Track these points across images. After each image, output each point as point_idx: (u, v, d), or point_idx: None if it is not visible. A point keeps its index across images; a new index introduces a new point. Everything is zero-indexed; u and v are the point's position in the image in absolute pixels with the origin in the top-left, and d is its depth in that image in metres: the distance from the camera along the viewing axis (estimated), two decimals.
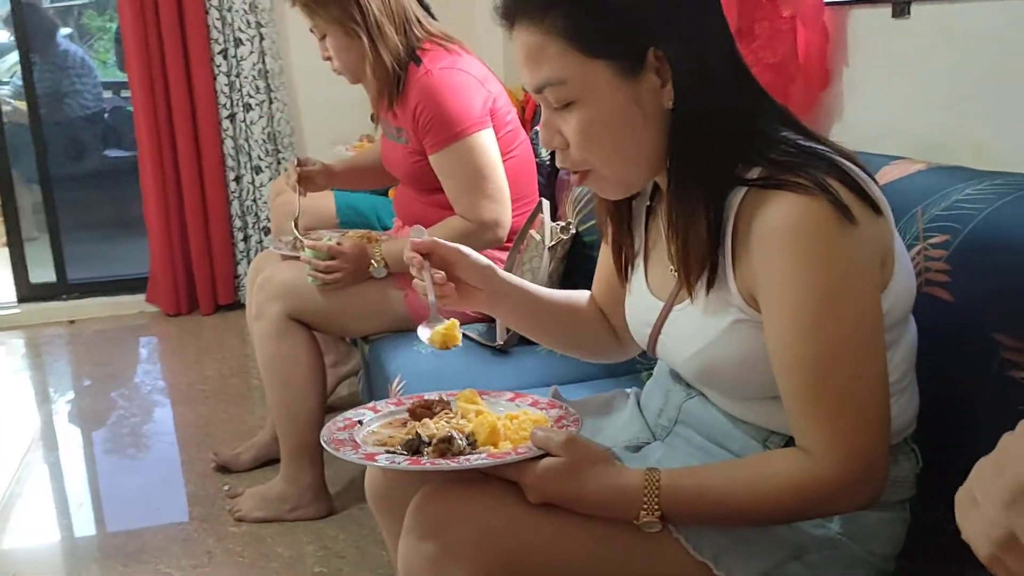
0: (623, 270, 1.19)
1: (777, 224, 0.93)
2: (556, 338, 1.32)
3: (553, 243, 1.94)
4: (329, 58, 2.05)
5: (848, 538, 1.04)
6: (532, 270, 1.96)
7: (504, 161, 2.06)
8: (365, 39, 1.95)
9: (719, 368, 1.04)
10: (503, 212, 2.00)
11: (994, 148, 1.35)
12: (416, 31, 2.01)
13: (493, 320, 2.11)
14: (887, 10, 1.51)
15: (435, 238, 1.19)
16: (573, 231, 1.99)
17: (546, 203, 2.00)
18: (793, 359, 0.95)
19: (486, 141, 1.98)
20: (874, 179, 0.99)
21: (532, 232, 2.00)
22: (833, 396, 0.94)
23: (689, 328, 1.05)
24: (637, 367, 1.85)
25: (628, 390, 1.34)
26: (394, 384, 1.84)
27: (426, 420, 1.13)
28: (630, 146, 1.00)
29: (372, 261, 2.01)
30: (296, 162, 2.31)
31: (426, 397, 1.22)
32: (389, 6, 1.97)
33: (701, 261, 1.00)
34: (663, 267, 1.11)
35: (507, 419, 1.11)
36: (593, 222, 1.98)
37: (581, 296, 1.33)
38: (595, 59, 0.96)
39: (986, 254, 1.10)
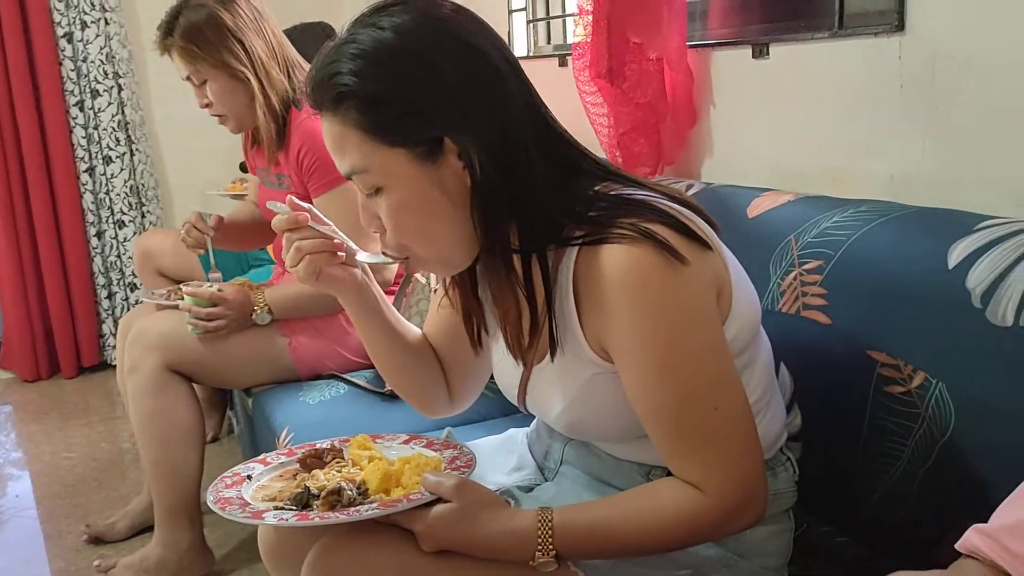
0: (475, 337, 1.18)
1: (608, 277, 0.94)
2: (398, 369, 1.25)
3: (438, 285, 1.93)
4: (208, 104, 1.99)
5: (740, 556, 1.06)
6: (420, 313, 1.95)
7: None
8: (254, 81, 1.91)
9: (587, 421, 1.06)
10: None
11: (850, 176, 1.43)
12: (298, 74, 1.99)
13: None
14: (748, 51, 1.59)
15: (311, 207, 1.12)
16: None
17: None
18: (652, 406, 0.97)
19: None
20: (705, 215, 1.02)
21: (417, 275, 1.99)
22: (699, 433, 0.96)
23: (551, 387, 1.07)
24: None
25: (521, 430, 1.34)
26: (281, 437, 1.78)
27: (316, 472, 1.10)
28: (441, 229, 1.01)
29: (255, 308, 1.95)
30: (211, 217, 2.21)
31: (318, 445, 1.19)
32: (272, 48, 1.94)
33: (522, 333, 1.02)
34: None
35: (400, 463, 1.09)
36: None
37: (418, 333, 1.29)
38: (392, 147, 0.97)
39: (858, 277, 1.16)
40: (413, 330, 1.26)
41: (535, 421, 1.27)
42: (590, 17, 1.75)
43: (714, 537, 1.01)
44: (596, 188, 1.01)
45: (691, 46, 1.69)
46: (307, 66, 2.04)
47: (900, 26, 1.29)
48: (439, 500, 0.99)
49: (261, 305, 1.95)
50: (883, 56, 1.33)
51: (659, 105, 1.71)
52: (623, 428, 1.05)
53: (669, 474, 1.05)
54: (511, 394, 1.16)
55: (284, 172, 2.01)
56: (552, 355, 1.03)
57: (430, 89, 0.96)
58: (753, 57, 1.58)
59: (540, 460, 1.22)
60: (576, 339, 1.01)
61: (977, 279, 1.01)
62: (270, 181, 2.11)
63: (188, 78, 1.98)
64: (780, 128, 1.55)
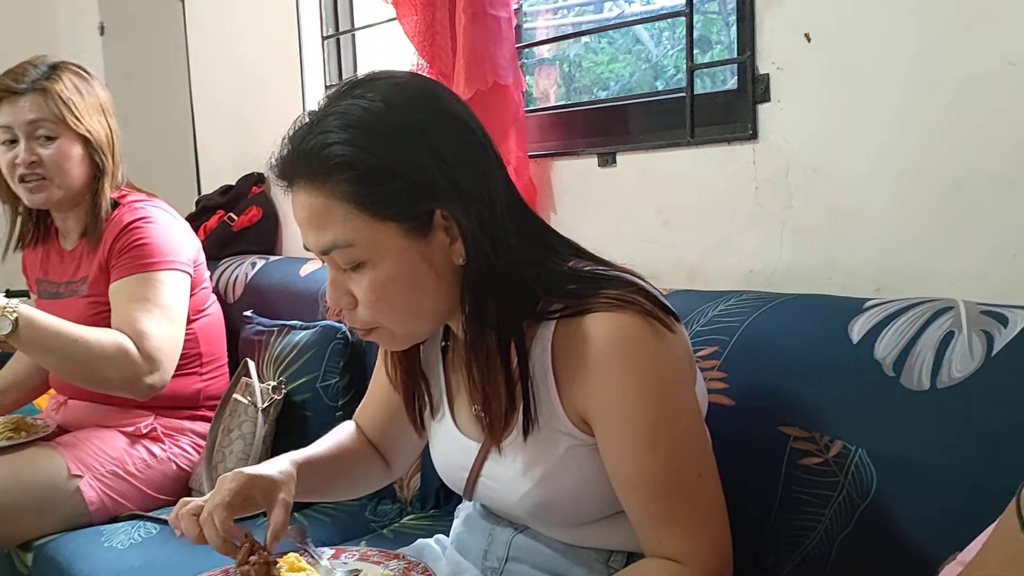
0: (417, 417, 1.16)
1: (595, 343, 0.95)
2: (341, 491, 1.26)
3: (266, 405, 1.79)
4: (36, 163, 1.78)
5: None
6: (243, 436, 1.78)
7: (196, 320, 1.91)
8: (109, 164, 1.83)
9: (557, 499, 1.03)
10: (169, 362, 1.76)
11: (707, 272, 1.53)
12: (119, 174, 1.88)
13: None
14: (594, 160, 1.67)
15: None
16: (285, 390, 1.85)
17: (251, 363, 1.85)
18: (637, 474, 0.96)
19: (181, 286, 1.82)
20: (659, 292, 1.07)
21: (236, 396, 1.83)
22: (684, 500, 0.97)
23: (517, 466, 1.03)
24: (372, 525, 1.75)
25: (431, 538, 1.26)
26: None
27: None
28: (423, 304, 0.99)
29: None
30: None
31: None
32: (117, 144, 1.87)
33: (504, 410, 1.00)
34: (471, 407, 1.09)
35: None
36: (301, 380, 1.88)
37: (348, 434, 1.25)
38: (382, 221, 0.94)
39: (757, 358, 1.23)
40: (339, 442, 1.21)
41: (460, 521, 1.20)
42: None
43: None
44: (570, 264, 1.02)
45: (534, 156, 1.75)
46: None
47: (754, 135, 1.42)
48: None
49: (8, 312, 1.59)
50: (737, 162, 1.46)
51: None
52: (591, 507, 1.03)
53: (629, 559, 1.04)
54: (458, 479, 1.11)
55: (83, 274, 1.81)
56: (526, 432, 0.99)
57: (426, 162, 0.93)
58: (600, 166, 1.66)
59: (477, 561, 1.15)
60: (553, 412, 0.99)
61: (885, 350, 1.11)
62: (52, 292, 1.88)
63: (32, 122, 1.77)
64: (629, 230, 1.64)
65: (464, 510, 1.22)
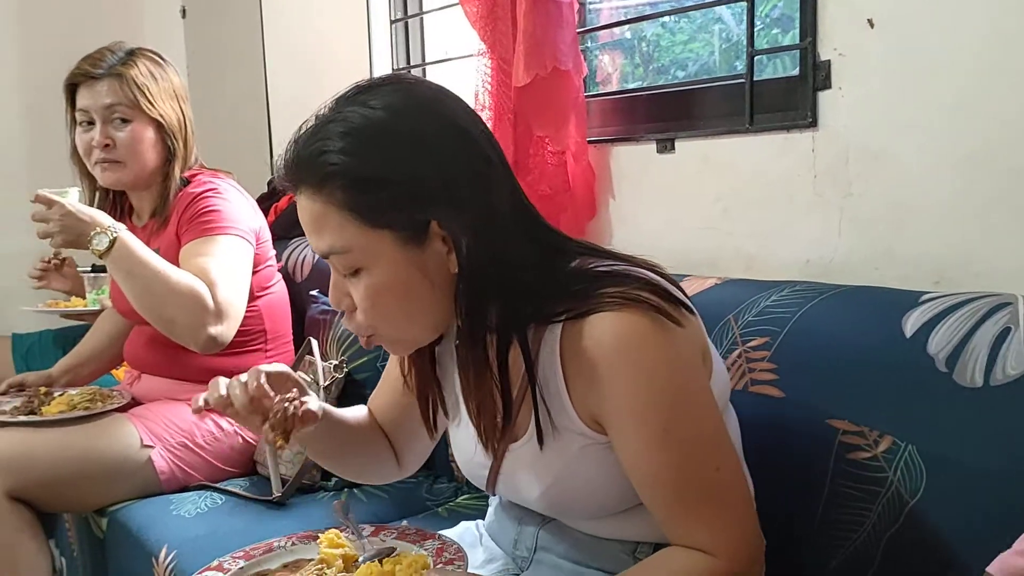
0: (430, 419, 1.16)
1: (600, 345, 0.94)
2: (349, 463, 1.24)
3: (328, 383, 1.84)
4: (108, 145, 1.87)
5: None
6: None
7: (261, 297, 1.97)
8: (180, 148, 1.90)
9: (574, 497, 1.04)
10: (234, 320, 1.77)
11: (764, 262, 1.51)
12: (194, 156, 1.97)
13: (253, 472, 1.94)
14: (652, 146, 1.66)
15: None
16: (346, 369, 1.90)
17: (314, 342, 1.90)
18: (653, 472, 0.96)
19: (244, 252, 1.87)
20: (676, 283, 1.04)
21: (300, 373, 1.88)
22: (701, 495, 0.96)
23: (533, 464, 1.04)
24: (428, 504, 1.79)
25: (474, 522, 1.28)
26: (161, 557, 1.59)
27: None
28: (418, 311, 1.00)
29: (98, 228, 1.68)
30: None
31: (275, 545, 1.09)
32: (190, 129, 1.95)
33: (496, 418, 1.01)
34: None
35: (391, 565, 1.01)
36: (363, 359, 1.92)
37: (364, 414, 1.26)
38: (377, 229, 0.95)
39: (809, 350, 1.21)
40: (356, 416, 1.22)
41: (492, 509, 1.22)
42: (489, 112, 1.78)
43: None
44: (574, 264, 1.01)
45: (592, 141, 1.75)
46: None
47: (813, 123, 1.40)
48: None
49: (110, 231, 1.68)
50: (796, 149, 1.43)
51: (561, 197, 1.75)
52: (610, 501, 1.03)
53: (655, 549, 1.04)
54: (479, 476, 1.12)
55: (155, 247, 1.89)
56: (540, 437, 1.00)
57: (422, 172, 0.94)
58: (658, 152, 1.65)
59: (508, 549, 1.17)
60: (566, 413, 0.99)
61: (938, 345, 1.08)
62: None
63: (109, 106, 1.86)
64: (687, 218, 1.62)
65: (496, 500, 1.23)
